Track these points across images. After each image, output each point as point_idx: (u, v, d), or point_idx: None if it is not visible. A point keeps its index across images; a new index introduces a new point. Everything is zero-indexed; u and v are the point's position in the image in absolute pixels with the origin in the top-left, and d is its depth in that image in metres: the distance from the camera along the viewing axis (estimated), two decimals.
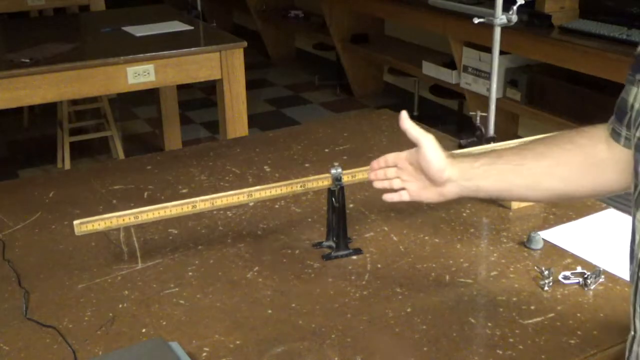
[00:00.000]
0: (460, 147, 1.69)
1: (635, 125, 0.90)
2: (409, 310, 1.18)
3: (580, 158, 1.00)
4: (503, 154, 1.07)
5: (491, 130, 1.77)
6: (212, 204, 1.28)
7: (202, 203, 1.28)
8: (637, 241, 0.91)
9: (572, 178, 1.02)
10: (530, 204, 1.51)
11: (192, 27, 3.22)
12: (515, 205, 1.50)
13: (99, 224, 1.24)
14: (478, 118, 1.72)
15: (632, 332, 0.94)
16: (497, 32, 1.72)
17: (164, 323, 1.16)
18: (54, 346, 1.11)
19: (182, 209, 1.27)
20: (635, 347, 0.93)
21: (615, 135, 0.96)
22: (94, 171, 1.81)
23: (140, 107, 4.94)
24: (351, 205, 1.52)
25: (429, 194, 1.11)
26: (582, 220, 1.46)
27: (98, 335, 1.13)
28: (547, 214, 1.49)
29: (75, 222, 1.22)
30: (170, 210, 1.27)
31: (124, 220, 1.25)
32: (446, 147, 1.48)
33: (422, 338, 1.10)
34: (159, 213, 1.26)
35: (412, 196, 1.13)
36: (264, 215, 1.51)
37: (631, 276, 0.94)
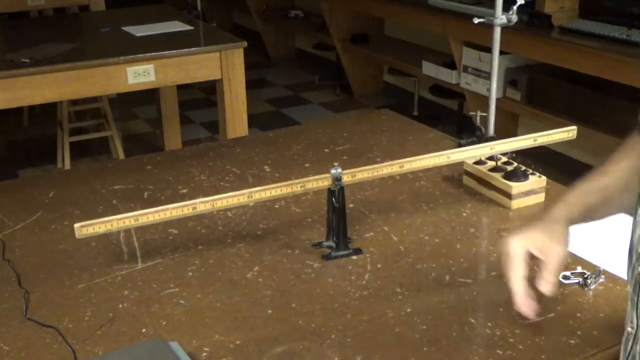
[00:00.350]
0: (460, 146, 1.68)
1: None
2: (409, 310, 1.18)
3: None
4: (606, 183, 1.03)
5: (491, 130, 1.77)
6: (213, 205, 1.28)
7: (202, 205, 1.28)
8: (637, 236, 0.92)
9: None
10: (530, 204, 1.51)
11: (192, 27, 3.22)
12: (515, 205, 1.50)
13: (99, 227, 1.24)
14: (478, 118, 1.72)
15: (629, 329, 0.94)
16: (497, 32, 1.72)
17: (164, 323, 1.16)
18: (54, 346, 1.11)
19: (182, 211, 1.27)
20: (637, 347, 0.92)
21: None
22: (94, 171, 1.81)
23: (140, 107, 4.94)
24: (351, 205, 1.52)
25: None
26: None
27: (98, 335, 1.13)
28: None
29: (76, 225, 1.23)
30: (171, 213, 1.27)
31: (124, 223, 1.25)
32: (446, 147, 1.49)
33: (422, 338, 1.10)
34: (159, 215, 1.27)
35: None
36: (264, 215, 1.51)
37: (630, 271, 0.94)
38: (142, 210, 1.25)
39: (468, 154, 1.45)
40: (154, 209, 1.26)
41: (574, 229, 1.03)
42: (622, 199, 1.02)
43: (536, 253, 1.00)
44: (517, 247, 1.01)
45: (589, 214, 1.03)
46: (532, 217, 1.07)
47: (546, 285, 0.99)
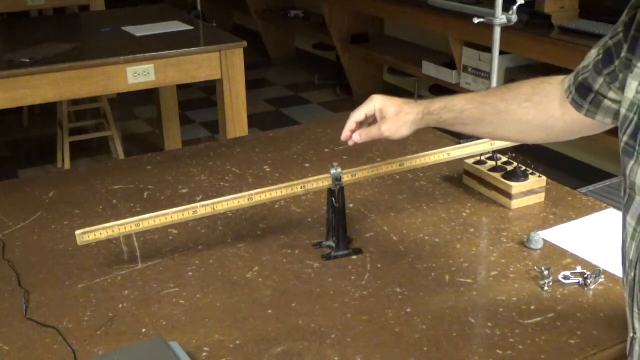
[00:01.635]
0: None
1: (623, 130, 0.92)
2: (409, 310, 1.18)
3: (535, 115, 1.11)
4: (465, 108, 1.17)
5: None
6: (213, 208, 1.29)
7: (203, 209, 1.28)
8: (627, 243, 0.92)
9: (525, 131, 1.15)
10: (531, 204, 1.51)
11: (192, 27, 3.22)
12: (515, 205, 1.50)
13: (100, 234, 1.24)
14: None
15: (632, 334, 0.94)
16: (497, 32, 1.72)
17: (164, 323, 1.16)
18: (54, 346, 1.11)
19: (183, 215, 1.28)
20: (637, 348, 0.93)
21: (576, 105, 1.04)
22: (94, 171, 1.81)
23: (140, 107, 4.94)
24: (351, 205, 1.52)
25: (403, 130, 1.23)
26: (582, 220, 1.46)
27: (98, 335, 1.13)
28: (547, 214, 1.49)
29: (78, 232, 1.23)
30: (172, 217, 1.27)
31: (125, 228, 1.25)
32: (446, 147, 1.49)
33: (422, 338, 1.10)
34: (160, 220, 1.27)
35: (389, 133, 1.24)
36: (264, 216, 1.51)
37: (624, 279, 0.94)
38: (142, 211, 1.26)
39: (468, 150, 1.45)
40: (155, 214, 1.26)
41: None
42: (475, 127, 1.19)
43: (377, 114, 1.22)
44: (374, 102, 1.22)
45: (439, 125, 1.22)
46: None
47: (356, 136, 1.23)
